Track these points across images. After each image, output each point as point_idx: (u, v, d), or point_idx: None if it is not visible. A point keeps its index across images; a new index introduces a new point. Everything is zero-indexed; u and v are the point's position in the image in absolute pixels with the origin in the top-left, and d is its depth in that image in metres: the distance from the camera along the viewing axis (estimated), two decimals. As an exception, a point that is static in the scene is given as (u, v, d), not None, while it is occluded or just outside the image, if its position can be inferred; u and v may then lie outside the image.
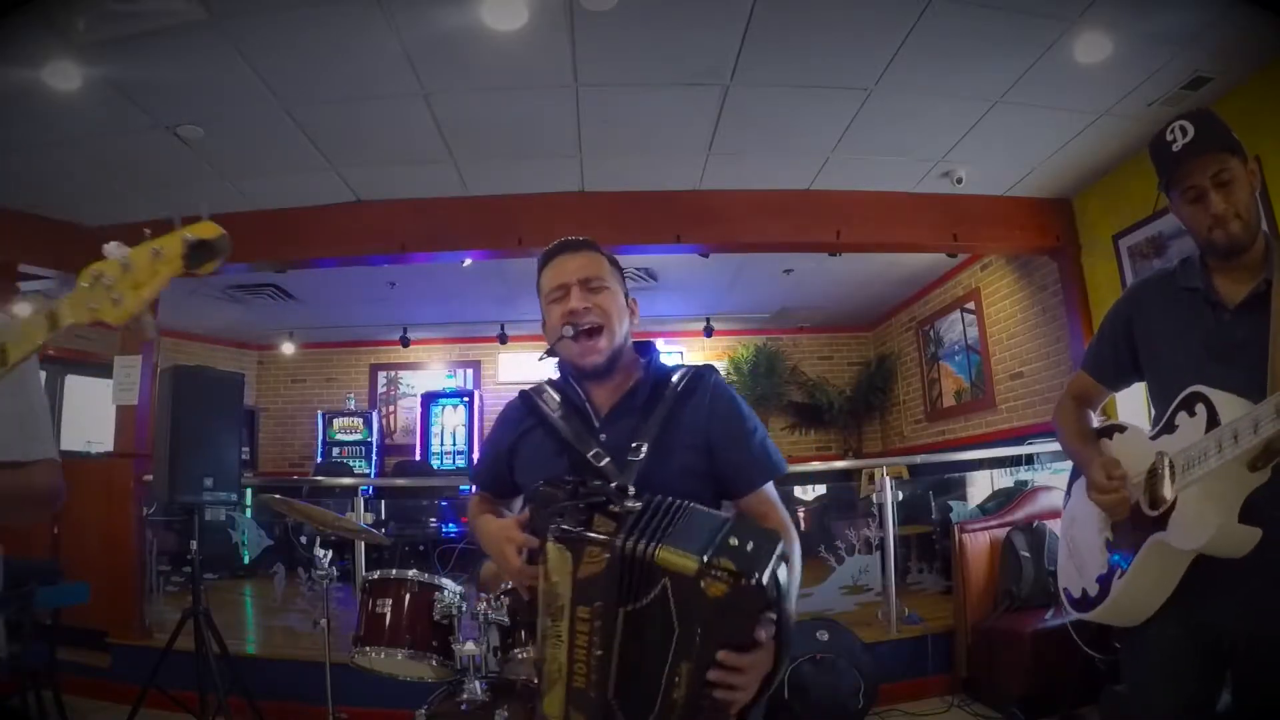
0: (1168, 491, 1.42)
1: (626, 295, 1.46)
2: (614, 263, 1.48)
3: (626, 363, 1.43)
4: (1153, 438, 1.51)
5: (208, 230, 1.01)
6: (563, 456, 1.34)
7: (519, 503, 1.54)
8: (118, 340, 4.67)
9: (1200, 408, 1.39)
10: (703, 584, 1.03)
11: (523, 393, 1.49)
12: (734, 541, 1.05)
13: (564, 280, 1.39)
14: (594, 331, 1.36)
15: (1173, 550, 1.40)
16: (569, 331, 1.35)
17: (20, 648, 3.00)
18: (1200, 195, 1.47)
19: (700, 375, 1.41)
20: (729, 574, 1.02)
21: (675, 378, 1.40)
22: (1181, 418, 1.43)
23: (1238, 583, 1.37)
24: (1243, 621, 1.40)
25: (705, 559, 1.03)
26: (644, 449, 1.30)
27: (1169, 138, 1.49)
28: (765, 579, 1.02)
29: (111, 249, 1.00)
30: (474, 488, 1.58)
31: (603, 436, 1.35)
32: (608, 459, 1.30)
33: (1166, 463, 1.43)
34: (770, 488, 1.39)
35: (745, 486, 1.36)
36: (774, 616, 1.06)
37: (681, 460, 1.33)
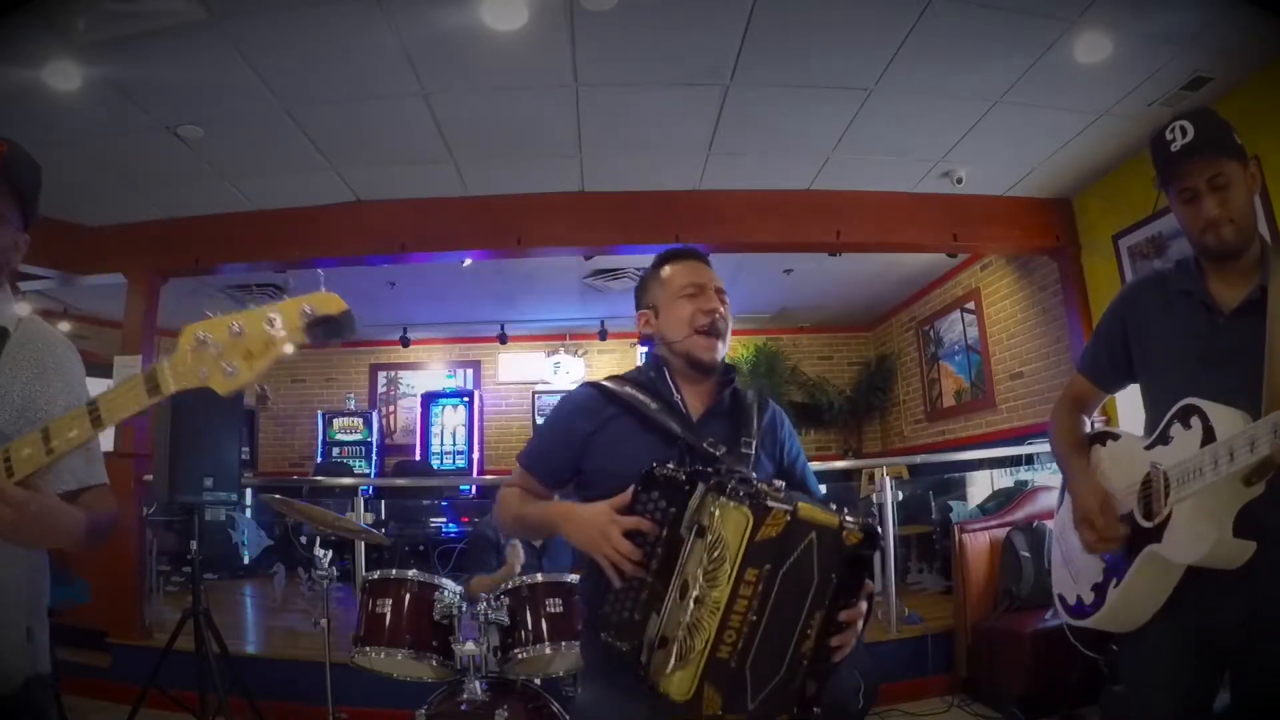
0: (1163, 504, 1.41)
1: None
2: None
3: (719, 373, 1.56)
4: (1147, 448, 1.50)
5: (330, 305, 0.93)
6: (670, 447, 1.41)
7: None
8: (118, 340, 4.68)
9: (1195, 421, 1.38)
10: (844, 534, 1.18)
11: (597, 384, 1.54)
12: (837, 506, 1.24)
13: (702, 281, 1.53)
14: (720, 334, 1.50)
15: (1167, 562, 1.40)
16: (704, 322, 1.47)
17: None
18: (1194, 197, 1.46)
19: (766, 398, 1.59)
20: (860, 525, 1.19)
21: (749, 394, 1.56)
22: (1176, 430, 1.43)
23: (1231, 589, 1.37)
24: (1238, 626, 1.39)
25: (841, 515, 1.20)
26: (754, 445, 1.44)
27: (1168, 137, 1.48)
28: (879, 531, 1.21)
29: (217, 309, 0.95)
30: (519, 473, 1.56)
31: (706, 433, 1.43)
32: (724, 449, 1.39)
33: (1161, 476, 1.43)
34: None
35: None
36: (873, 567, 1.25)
37: (764, 467, 1.47)
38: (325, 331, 0.93)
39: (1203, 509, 1.34)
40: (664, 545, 1.23)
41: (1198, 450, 1.35)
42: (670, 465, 1.27)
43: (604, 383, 1.53)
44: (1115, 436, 1.62)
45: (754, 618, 1.18)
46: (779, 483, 1.27)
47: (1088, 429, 1.72)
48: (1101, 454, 1.62)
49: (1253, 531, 1.32)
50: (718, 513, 1.20)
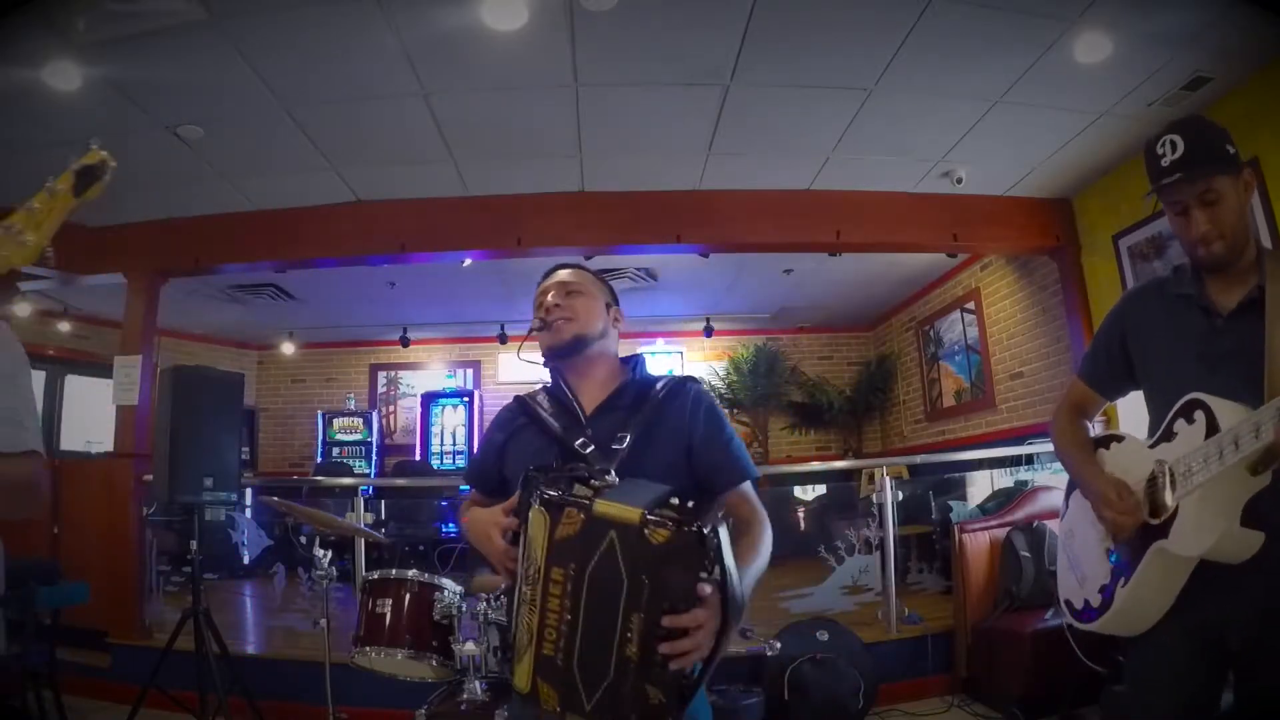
0: (1169, 499, 1.41)
1: (610, 307, 1.61)
2: (600, 279, 1.64)
3: (610, 367, 1.57)
4: (1151, 446, 1.51)
5: (91, 157, 1.11)
6: (553, 447, 1.44)
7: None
8: (118, 340, 4.68)
9: (1199, 415, 1.39)
10: (646, 531, 1.11)
11: (516, 397, 1.62)
12: (676, 501, 1.16)
13: (545, 286, 1.59)
14: (548, 326, 1.53)
15: (1175, 557, 1.40)
16: (537, 324, 1.52)
17: (20, 648, 3.00)
18: (1185, 210, 1.48)
19: (682, 382, 1.53)
20: (670, 521, 1.11)
21: (659, 384, 1.52)
22: (1180, 425, 1.43)
23: (1240, 584, 1.37)
24: (1246, 623, 1.40)
25: (647, 510, 1.12)
26: (626, 439, 1.41)
27: (1159, 151, 1.49)
28: (705, 530, 1.11)
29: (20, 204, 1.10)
30: (470, 489, 1.67)
31: (589, 430, 1.45)
32: (593, 447, 1.40)
33: (1167, 471, 1.43)
34: (747, 486, 1.48)
35: (724, 484, 1.46)
36: (717, 571, 1.13)
37: (661, 455, 1.43)
38: (87, 179, 1.11)
39: (1209, 501, 1.34)
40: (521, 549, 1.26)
41: (1203, 442, 1.36)
42: (531, 468, 1.26)
43: (521, 394, 1.61)
44: (1119, 439, 1.63)
45: (569, 617, 1.16)
46: (611, 478, 1.25)
47: (1090, 434, 1.72)
48: (1105, 457, 1.62)
49: (1261, 525, 1.32)
50: (531, 516, 1.21)
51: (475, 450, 1.67)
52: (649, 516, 1.12)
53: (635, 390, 1.51)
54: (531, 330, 1.55)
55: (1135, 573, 1.46)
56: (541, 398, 1.56)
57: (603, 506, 1.16)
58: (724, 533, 1.13)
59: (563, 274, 1.60)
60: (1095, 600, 1.57)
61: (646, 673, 1.13)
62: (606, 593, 1.14)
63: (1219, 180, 1.45)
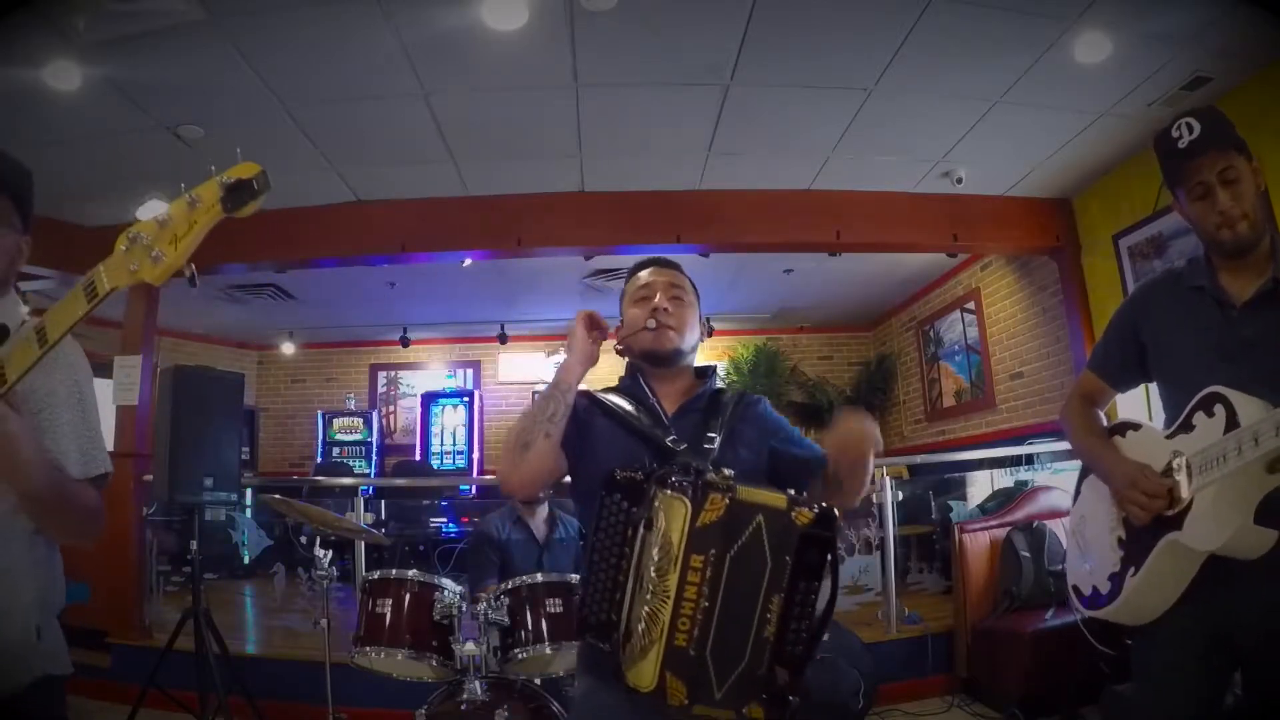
0: (1184, 491, 1.41)
1: (702, 319, 1.64)
2: (695, 288, 1.66)
3: (690, 373, 1.61)
4: (1168, 436, 1.50)
5: (244, 170, 0.96)
6: (642, 445, 1.45)
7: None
8: (118, 340, 4.67)
9: (1219, 408, 1.38)
10: (793, 514, 1.20)
11: (586, 393, 1.59)
12: (794, 490, 1.26)
13: (650, 282, 1.59)
14: (670, 325, 1.53)
15: (1188, 550, 1.40)
16: (651, 324, 1.51)
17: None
18: (1207, 192, 1.46)
19: (750, 395, 1.61)
20: (811, 504, 1.21)
21: (728, 394, 1.58)
22: (1199, 418, 1.43)
23: (1252, 581, 1.37)
24: (1253, 620, 1.39)
25: (791, 496, 1.22)
26: (716, 440, 1.44)
27: (1174, 134, 1.48)
28: (836, 510, 1.21)
29: (145, 209, 0.98)
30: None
31: (674, 430, 1.47)
32: (685, 445, 1.42)
33: (1184, 463, 1.42)
34: None
35: (815, 469, 1.51)
36: (835, 548, 1.23)
37: (745, 456, 1.48)
38: (242, 195, 0.94)
39: (1225, 496, 1.34)
40: (628, 544, 1.26)
41: (1221, 437, 1.35)
42: (631, 467, 1.30)
43: (592, 391, 1.60)
44: (1135, 426, 1.63)
45: (706, 604, 1.19)
46: (729, 471, 1.28)
47: (1103, 422, 1.73)
48: (1121, 445, 1.62)
49: (1274, 523, 1.32)
50: (661, 504, 1.23)
51: None
52: (793, 501, 1.20)
53: (709, 397, 1.56)
54: (639, 331, 1.52)
55: (1146, 563, 1.46)
56: (616, 397, 1.55)
57: (746, 492, 1.21)
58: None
59: (670, 274, 1.61)
60: (1104, 588, 1.56)
61: (779, 653, 1.19)
62: (749, 576, 1.19)
63: (1238, 159, 1.45)
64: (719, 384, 1.63)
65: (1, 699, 1.18)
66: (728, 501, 1.20)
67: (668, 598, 1.19)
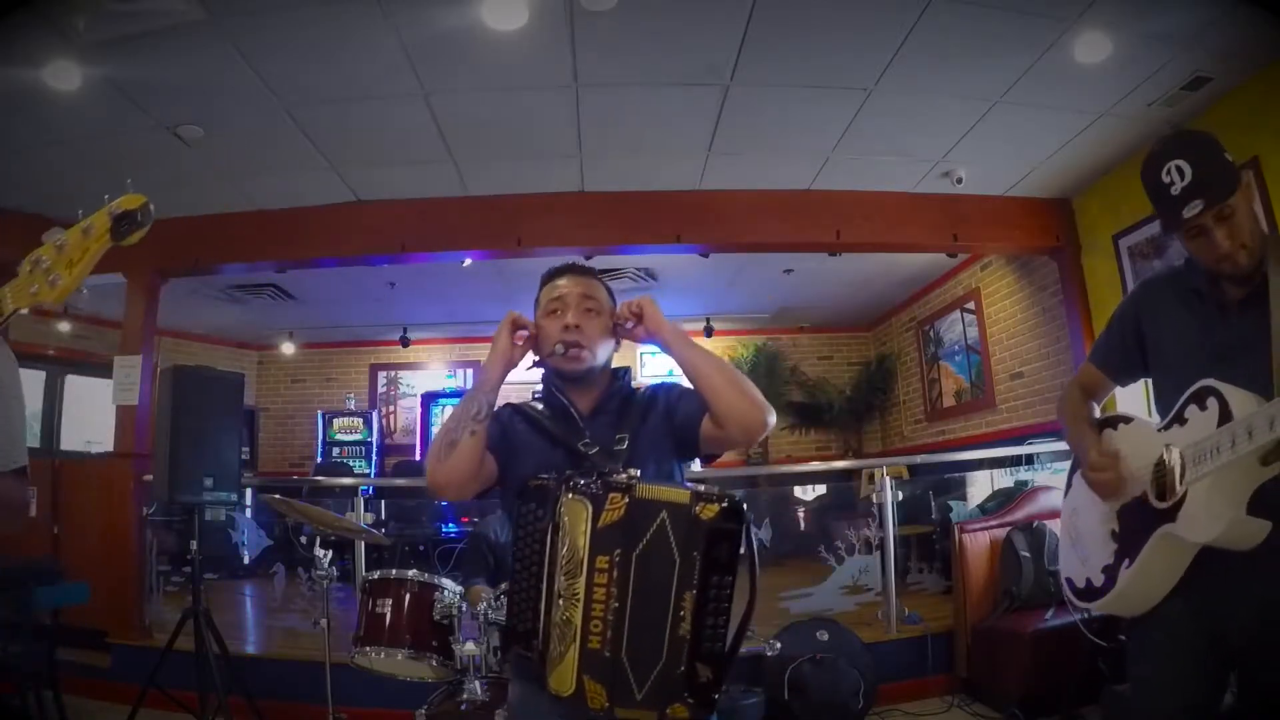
0: (1178, 484, 1.42)
1: (615, 326, 1.59)
2: (607, 287, 1.65)
3: (603, 378, 1.60)
4: (1161, 429, 1.51)
5: (131, 202, 1.04)
6: (558, 450, 1.48)
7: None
8: (118, 340, 4.67)
9: (1212, 402, 1.39)
10: (696, 509, 1.19)
11: (509, 404, 1.63)
12: (704, 485, 1.25)
13: (562, 294, 1.56)
14: (578, 347, 1.51)
15: (1181, 541, 1.41)
16: (560, 350, 1.50)
17: (20, 648, 3.01)
18: (1203, 231, 1.45)
19: (661, 384, 1.62)
20: (716, 498, 1.19)
21: (641, 391, 1.60)
22: (1192, 411, 1.43)
23: (1245, 576, 1.38)
24: (1247, 614, 1.40)
25: (695, 491, 1.21)
26: (626, 440, 1.46)
27: (1165, 179, 1.45)
28: (743, 503, 1.20)
29: (49, 235, 1.06)
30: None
31: (587, 433, 1.49)
32: (596, 449, 1.45)
33: (1176, 455, 1.43)
34: None
35: (701, 409, 1.48)
36: (750, 540, 1.22)
37: (653, 450, 1.49)
38: (127, 225, 1.04)
39: (1219, 488, 1.35)
40: (542, 552, 1.27)
41: (1215, 429, 1.36)
42: (543, 475, 1.32)
43: (516, 402, 1.63)
44: (1127, 420, 1.64)
45: (616, 605, 1.19)
46: (634, 470, 1.29)
47: (1095, 413, 1.75)
48: (1113, 437, 1.63)
49: (1267, 515, 1.32)
50: (565, 508, 1.24)
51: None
52: (696, 496, 1.19)
53: (621, 396, 1.58)
54: (552, 353, 1.51)
55: (1140, 555, 1.47)
56: (536, 405, 1.59)
57: (647, 490, 1.21)
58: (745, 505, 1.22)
59: (583, 282, 1.58)
60: (1098, 580, 1.58)
61: (697, 650, 1.18)
62: (657, 574, 1.18)
63: (1232, 198, 1.43)
64: (633, 385, 1.63)
65: None
66: (627, 500, 1.20)
67: (578, 601, 1.19)
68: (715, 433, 1.45)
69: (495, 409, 1.58)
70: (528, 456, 1.49)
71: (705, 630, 1.17)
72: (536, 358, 1.59)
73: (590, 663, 1.18)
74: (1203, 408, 1.41)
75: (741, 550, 1.20)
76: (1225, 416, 1.36)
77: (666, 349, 1.48)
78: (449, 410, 7.83)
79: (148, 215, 1.04)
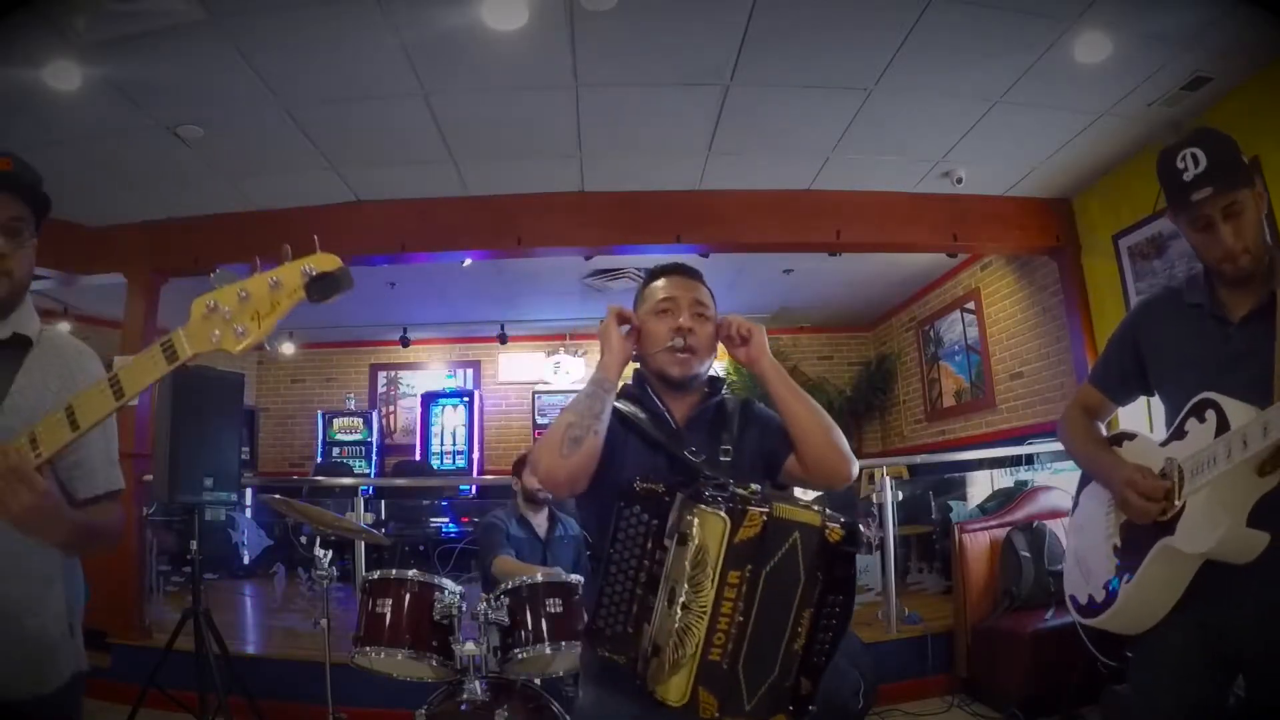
0: (1176, 496, 1.42)
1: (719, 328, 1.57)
2: (713, 297, 1.62)
3: (701, 385, 1.58)
4: (1163, 444, 1.51)
5: (327, 263, 1.00)
6: (657, 454, 1.45)
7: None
8: (118, 340, 4.67)
9: (1210, 414, 1.39)
10: (826, 531, 1.23)
11: None
12: (826, 508, 1.27)
13: (676, 296, 1.53)
14: (690, 351, 1.50)
15: (1180, 554, 1.40)
16: (678, 343, 1.48)
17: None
18: (1209, 225, 1.45)
19: (748, 400, 1.61)
20: (841, 523, 1.23)
21: (730, 402, 1.58)
22: (1191, 424, 1.44)
23: (1247, 588, 1.37)
24: (1250, 625, 1.39)
25: (823, 513, 1.24)
26: (730, 453, 1.46)
27: (1179, 165, 1.45)
28: (861, 527, 1.25)
29: (218, 277, 1.04)
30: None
31: (689, 443, 1.47)
32: (704, 457, 1.43)
33: (1176, 468, 1.43)
34: None
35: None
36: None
37: (750, 464, 1.49)
38: (324, 288, 1.00)
39: (1216, 499, 1.35)
40: (649, 558, 1.26)
41: (1212, 440, 1.36)
42: (649, 479, 1.30)
43: None
44: (1131, 437, 1.64)
45: (741, 619, 1.20)
46: (756, 486, 1.30)
47: (1103, 433, 1.74)
48: (1118, 454, 1.63)
49: (1267, 527, 1.32)
50: (696, 519, 1.22)
51: None
52: (827, 519, 1.22)
53: (715, 406, 1.56)
54: (662, 349, 1.48)
55: (1140, 569, 1.47)
56: (626, 403, 1.52)
57: (783, 509, 1.23)
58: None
59: (695, 287, 1.57)
60: (1099, 595, 1.57)
61: (806, 665, 1.23)
62: (783, 591, 1.21)
63: (1243, 193, 1.44)
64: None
65: (42, 695, 1.26)
66: (765, 518, 1.21)
67: (704, 613, 1.20)
68: (797, 473, 1.47)
69: None
70: (624, 458, 1.45)
71: (816, 646, 1.22)
72: (635, 354, 1.55)
73: (708, 673, 1.19)
74: (1201, 420, 1.41)
75: (854, 570, 1.25)
76: (1223, 427, 1.36)
77: (763, 382, 1.48)
78: (449, 410, 7.82)
79: (347, 279, 1.01)
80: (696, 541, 1.21)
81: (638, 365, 1.59)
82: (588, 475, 1.41)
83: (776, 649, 1.21)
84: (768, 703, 1.21)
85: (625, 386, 1.59)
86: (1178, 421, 1.48)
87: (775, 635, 1.21)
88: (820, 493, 1.93)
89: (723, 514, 1.20)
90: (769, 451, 1.50)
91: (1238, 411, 1.35)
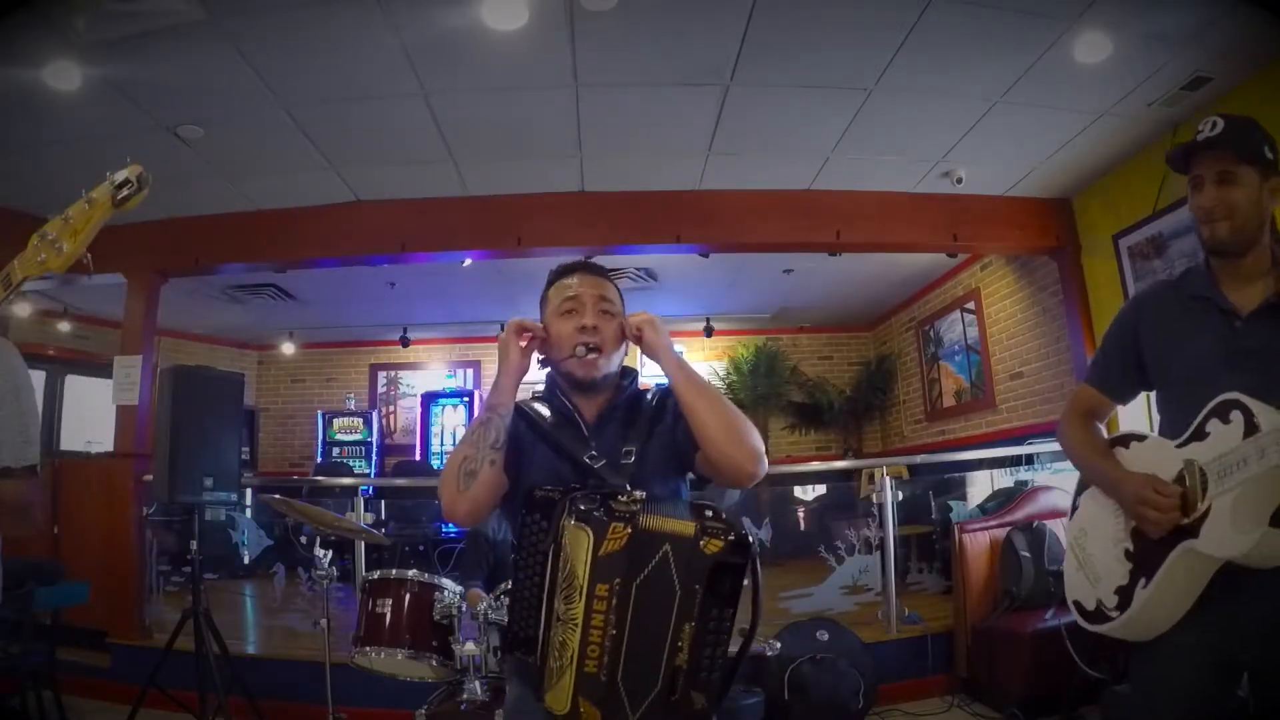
0: (1200, 499, 1.39)
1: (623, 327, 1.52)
2: (620, 294, 1.58)
3: (610, 382, 1.53)
4: (1179, 445, 1.48)
5: (130, 171, 1.11)
6: (563, 461, 1.43)
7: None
8: (118, 340, 4.67)
9: (1236, 415, 1.37)
10: (701, 543, 1.18)
11: (517, 403, 1.56)
12: (711, 514, 1.24)
13: (578, 294, 1.49)
14: (597, 351, 1.46)
15: (1203, 558, 1.38)
16: (581, 351, 1.44)
17: (20, 648, 3.01)
18: (1199, 185, 1.49)
19: (669, 391, 1.51)
20: (722, 531, 1.19)
21: (649, 395, 1.54)
22: (1214, 425, 1.41)
23: (1257, 594, 1.37)
24: (1258, 629, 1.38)
25: (701, 523, 1.20)
26: (633, 454, 1.42)
27: (1200, 126, 1.51)
28: (750, 537, 1.20)
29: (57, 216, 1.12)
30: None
31: (593, 444, 1.44)
32: (603, 462, 1.40)
33: (1198, 470, 1.41)
34: None
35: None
36: (755, 571, 1.23)
37: (660, 466, 1.45)
38: (127, 191, 1.11)
39: (1246, 502, 1.32)
40: (542, 564, 1.27)
41: (1240, 442, 1.34)
42: (548, 487, 1.30)
43: (519, 402, 1.55)
44: (1140, 438, 1.60)
45: (614, 632, 1.18)
46: (639, 493, 1.26)
47: (1104, 436, 1.70)
48: (1124, 456, 1.60)
49: None
50: (566, 533, 1.23)
51: None
52: (703, 529, 1.18)
53: (628, 401, 1.52)
54: (573, 354, 1.44)
55: (1159, 573, 1.43)
56: (539, 407, 1.51)
57: (652, 521, 1.20)
58: (753, 535, 1.19)
59: (599, 284, 1.52)
60: (1110, 601, 1.53)
61: (694, 679, 1.18)
62: (657, 605, 1.18)
63: (1243, 166, 1.46)
64: (639, 385, 1.58)
65: None
66: (630, 531, 1.19)
67: (576, 625, 1.19)
68: (706, 469, 1.43)
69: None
70: (533, 463, 1.45)
71: (703, 660, 1.18)
72: (543, 358, 1.52)
73: (586, 685, 1.19)
74: (1225, 421, 1.38)
75: (746, 582, 1.20)
76: (1251, 429, 1.33)
77: (666, 374, 1.42)
78: (449, 410, 7.79)
79: (145, 181, 1.11)
80: (567, 554, 1.21)
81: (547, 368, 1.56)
82: (490, 505, 1.41)
83: (657, 663, 1.17)
84: (655, 717, 1.18)
85: (537, 392, 1.58)
86: (1197, 422, 1.44)
87: (653, 648, 1.17)
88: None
89: (587, 528, 1.20)
90: (681, 446, 1.44)
91: (1267, 413, 1.32)
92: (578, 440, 1.44)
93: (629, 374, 1.57)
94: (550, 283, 1.57)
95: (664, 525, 1.20)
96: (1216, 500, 1.37)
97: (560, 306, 1.49)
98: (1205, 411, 1.43)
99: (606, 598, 1.18)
